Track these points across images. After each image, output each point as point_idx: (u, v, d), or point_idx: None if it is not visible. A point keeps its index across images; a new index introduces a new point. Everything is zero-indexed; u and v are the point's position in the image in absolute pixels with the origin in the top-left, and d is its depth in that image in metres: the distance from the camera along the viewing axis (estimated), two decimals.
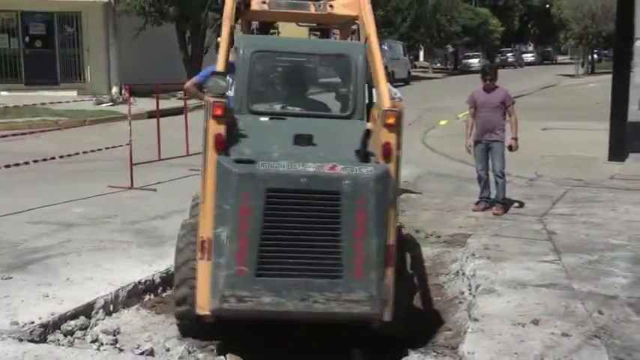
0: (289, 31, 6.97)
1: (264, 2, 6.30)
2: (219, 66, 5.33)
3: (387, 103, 4.88)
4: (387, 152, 4.72)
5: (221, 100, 4.70)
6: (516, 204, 8.94)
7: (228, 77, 5.15)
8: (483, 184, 8.84)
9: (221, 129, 4.71)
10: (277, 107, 5.60)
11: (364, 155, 4.77)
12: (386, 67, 5.88)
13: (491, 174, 8.75)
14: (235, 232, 4.55)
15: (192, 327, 5.17)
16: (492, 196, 8.81)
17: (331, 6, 6.33)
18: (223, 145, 4.71)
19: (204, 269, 4.70)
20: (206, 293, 4.68)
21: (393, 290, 4.74)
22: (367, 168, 4.64)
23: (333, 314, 4.66)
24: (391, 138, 4.72)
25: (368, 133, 4.82)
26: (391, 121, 4.70)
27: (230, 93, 5.41)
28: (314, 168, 4.59)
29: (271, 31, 8.03)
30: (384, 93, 5.05)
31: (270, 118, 5.31)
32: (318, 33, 28.39)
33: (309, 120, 5.34)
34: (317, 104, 5.77)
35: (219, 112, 4.68)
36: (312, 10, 6.37)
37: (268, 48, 5.71)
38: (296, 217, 4.56)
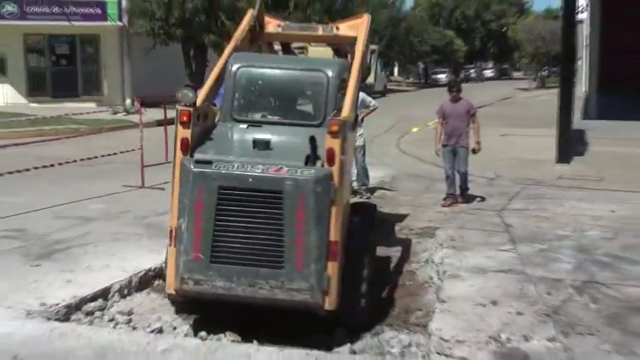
0: (317, 52, 7.08)
1: (279, 26, 6.39)
2: (212, 77, 5.39)
3: (345, 113, 4.89)
4: (330, 157, 4.64)
5: (187, 109, 4.78)
6: (479, 199, 8.98)
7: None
8: (450, 182, 8.87)
9: (187, 133, 4.78)
10: (258, 116, 5.53)
11: (313, 159, 4.74)
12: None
13: (457, 173, 8.81)
14: (192, 223, 4.60)
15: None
16: (458, 192, 8.86)
17: (337, 28, 6.40)
18: (188, 147, 4.78)
19: (170, 254, 4.79)
20: (172, 275, 4.76)
21: (336, 282, 4.68)
22: (309, 171, 4.61)
23: (277, 300, 4.64)
24: (334, 144, 4.64)
25: (313, 140, 4.76)
26: (334, 128, 4.64)
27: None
28: (261, 170, 4.62)
29: (297, 50, 8.13)
30: (347, 104, 5.05)
31: (248, 126, 5.28)
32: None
33: (281, 127, 5.27)
34: (296, 113, 5.65)
35: (185, 118, 4.77)
36: (320, 32, 6.43)
37: (252, 64, 5.64)
38: (244, 213, 4.58)
